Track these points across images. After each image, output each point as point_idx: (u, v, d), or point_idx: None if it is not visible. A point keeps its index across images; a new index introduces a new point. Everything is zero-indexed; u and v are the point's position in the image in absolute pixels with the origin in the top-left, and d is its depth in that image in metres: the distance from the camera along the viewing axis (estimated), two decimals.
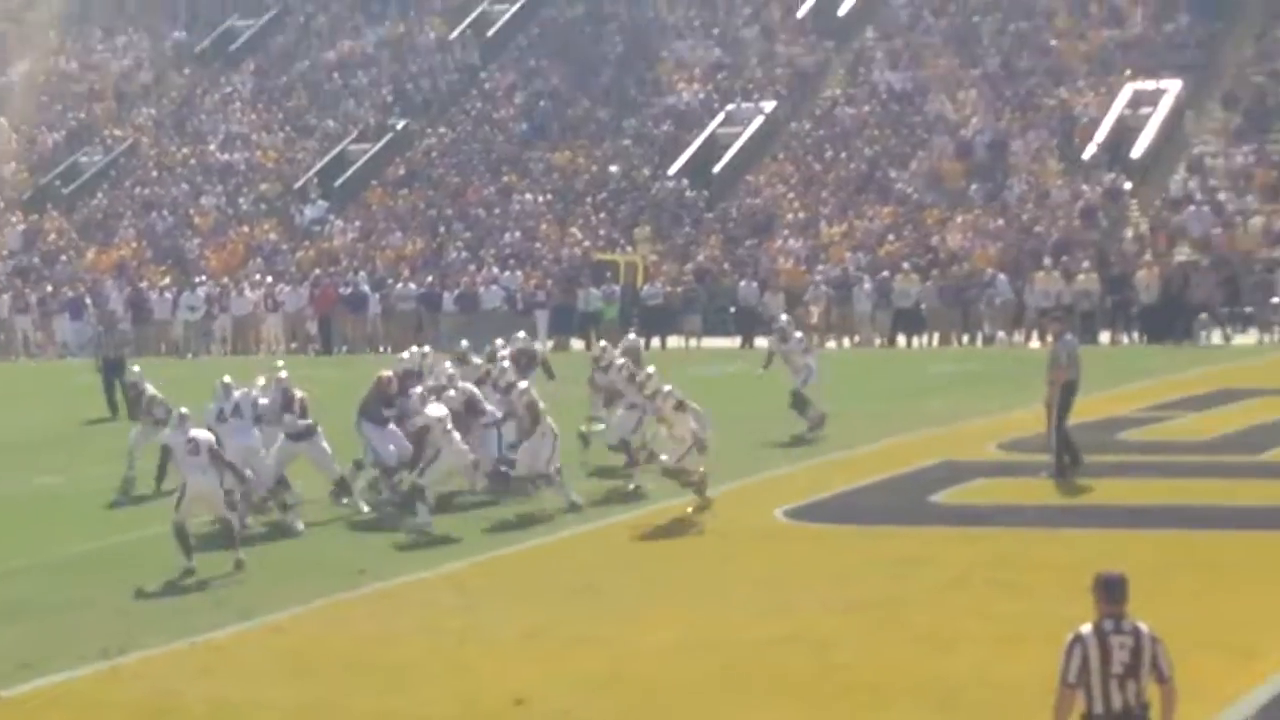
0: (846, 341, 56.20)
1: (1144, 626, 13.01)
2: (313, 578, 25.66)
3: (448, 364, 32.72)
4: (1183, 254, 57.07)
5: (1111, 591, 13.17)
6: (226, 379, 30.33)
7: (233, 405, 29.42)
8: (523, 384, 30.24)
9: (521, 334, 38.33)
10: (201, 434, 26.32)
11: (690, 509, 28.03)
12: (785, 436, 35.33)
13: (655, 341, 54.91)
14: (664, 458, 28.42)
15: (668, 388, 28.49)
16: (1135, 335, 53.98)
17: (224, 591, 24.94)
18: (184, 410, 27.43)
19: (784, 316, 39.40)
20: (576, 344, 55.92)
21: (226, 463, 26.34)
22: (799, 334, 38.04)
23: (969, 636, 19.51)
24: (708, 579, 24.65)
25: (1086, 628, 12.98)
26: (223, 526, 26.35)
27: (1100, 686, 12.83)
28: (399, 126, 76.72)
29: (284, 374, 30.12)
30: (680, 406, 27.97)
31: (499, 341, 35.90)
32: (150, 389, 33.44)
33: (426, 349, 35.70)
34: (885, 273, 58.77)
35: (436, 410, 28.38)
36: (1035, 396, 31.90)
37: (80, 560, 27.47)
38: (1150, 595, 19.78)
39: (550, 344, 53.32)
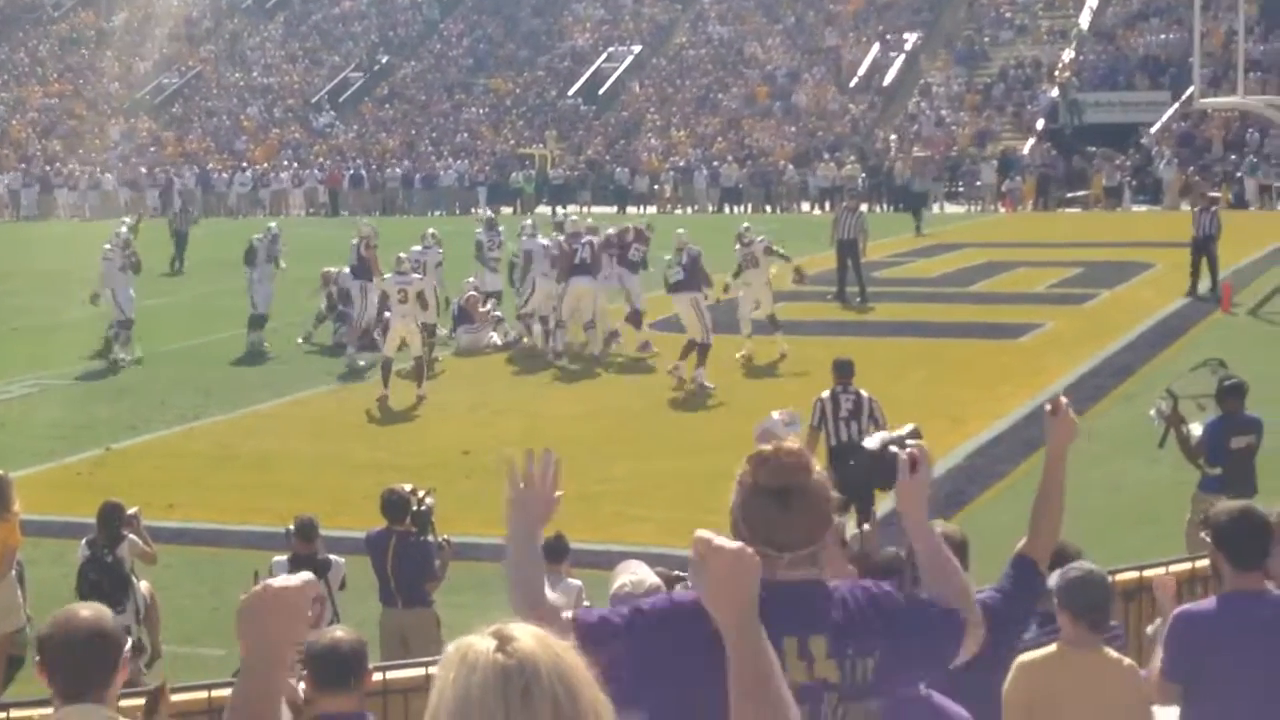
0: (689, 210, 56.10)
1: (864, 391, 14.51)
2: (329, 370, 25.65)
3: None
4: (918, 151, 57.20)
5: (841, 369, 14.74)
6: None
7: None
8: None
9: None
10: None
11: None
12: None
13: (559, 210, 54.68)
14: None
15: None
16: (887, 206, 54.12)
17: (267, 376, 24.87)
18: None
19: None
20: (505, 210, 55.48)
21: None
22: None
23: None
24: (600, 369, 24.76)
25: (825, 393, 14.51)
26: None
27: (833, 426, 14.23)
28: (383, 61, 76.01)
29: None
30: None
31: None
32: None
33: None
34: (715, 163, 58.82)
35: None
36: (822, 248, 32.07)
37: (173, 355, 27.29)
38: (893, 380, 20.09)
39: (487, 210, 52.83)
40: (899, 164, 55.29)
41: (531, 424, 20.15)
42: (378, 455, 18.82)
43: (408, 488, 11.81)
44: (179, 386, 24.15)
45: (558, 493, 4.20)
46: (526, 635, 2.60)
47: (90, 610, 4.82)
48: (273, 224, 30.02)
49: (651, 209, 55.25)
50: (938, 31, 67.68)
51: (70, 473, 18.62)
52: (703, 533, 3.24)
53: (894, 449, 4.31)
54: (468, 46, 75.93)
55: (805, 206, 56.25)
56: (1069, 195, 53.53)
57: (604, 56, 71.34)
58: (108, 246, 27.15)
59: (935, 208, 52.82)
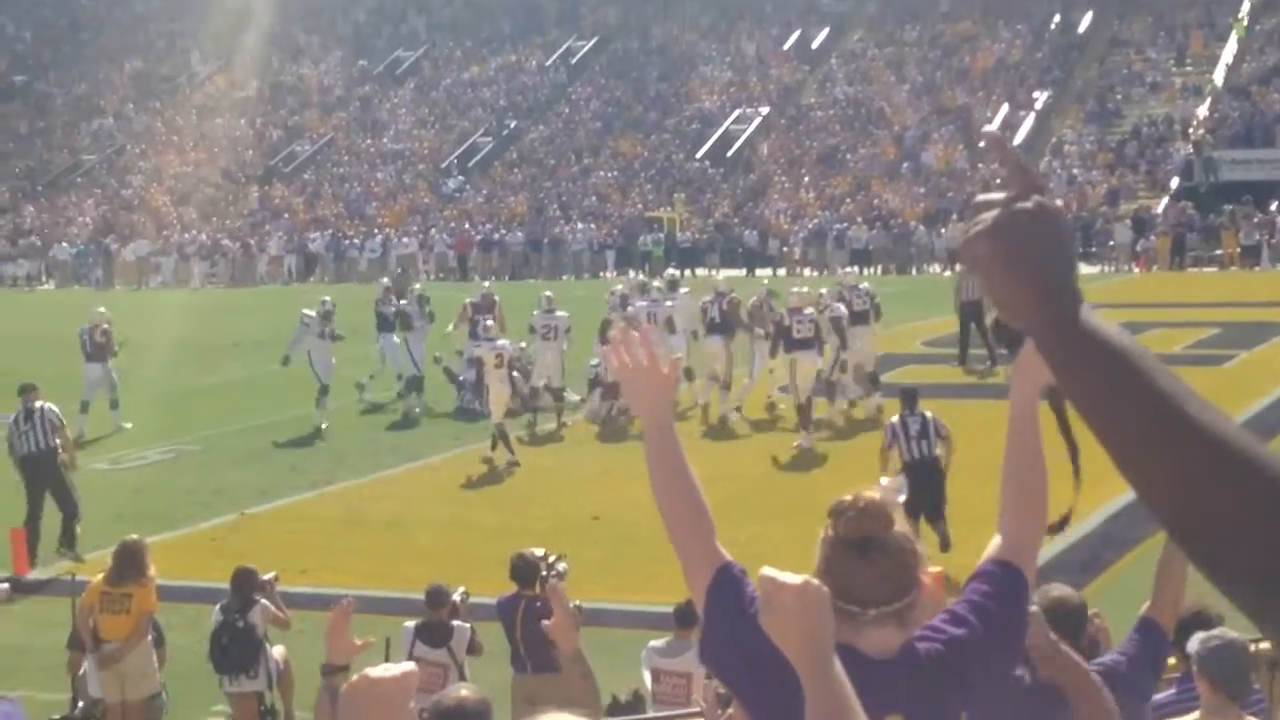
0: (820, 273, 56.01)
1: (929, 413, 17.14)
2: (458, 433, 25.84)
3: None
4: None
5: (908, 397, 17.38)
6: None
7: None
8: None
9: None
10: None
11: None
12: None
13: (686, 272, 54.68)
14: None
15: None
16: None
17: (396, 440, 25.14)
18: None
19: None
20: (634, 274, 55.67)
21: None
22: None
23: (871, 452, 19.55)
24: (721, 432, 24.74)
25: (895, 418, 17.21)
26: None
27: (904, 443, 16.80)
28: (512, 125, 76.75)
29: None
30: None
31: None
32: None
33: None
34: (844, 224, 58.76)
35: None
36: (948, 309, 31.88)
37: (302, 420, 27.63)
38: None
39: (615, 273, 52.98)
40: None
41: None
42: (507, 520, 18.92)
43: (539, 552, 11.87)
44: (309, 452, 24.46)
45: (665, 369, 4.07)
46: None
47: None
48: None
49: (781, 271, 55.23)
50: (1069, 89, 67.29)
51: (205, 538, 18.91)
52: (768, 571, 3.22)
53: None
54: (596, 110, 76.48)
55: (935, 268, 56.00)
56: (1205, 254, 52.88)
57: (732, 118, 71.60)
58: (308, 313, 27.76)
59: None
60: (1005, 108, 65.50)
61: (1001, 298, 2.13)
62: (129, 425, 27.52)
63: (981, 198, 2.21)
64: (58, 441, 18.94)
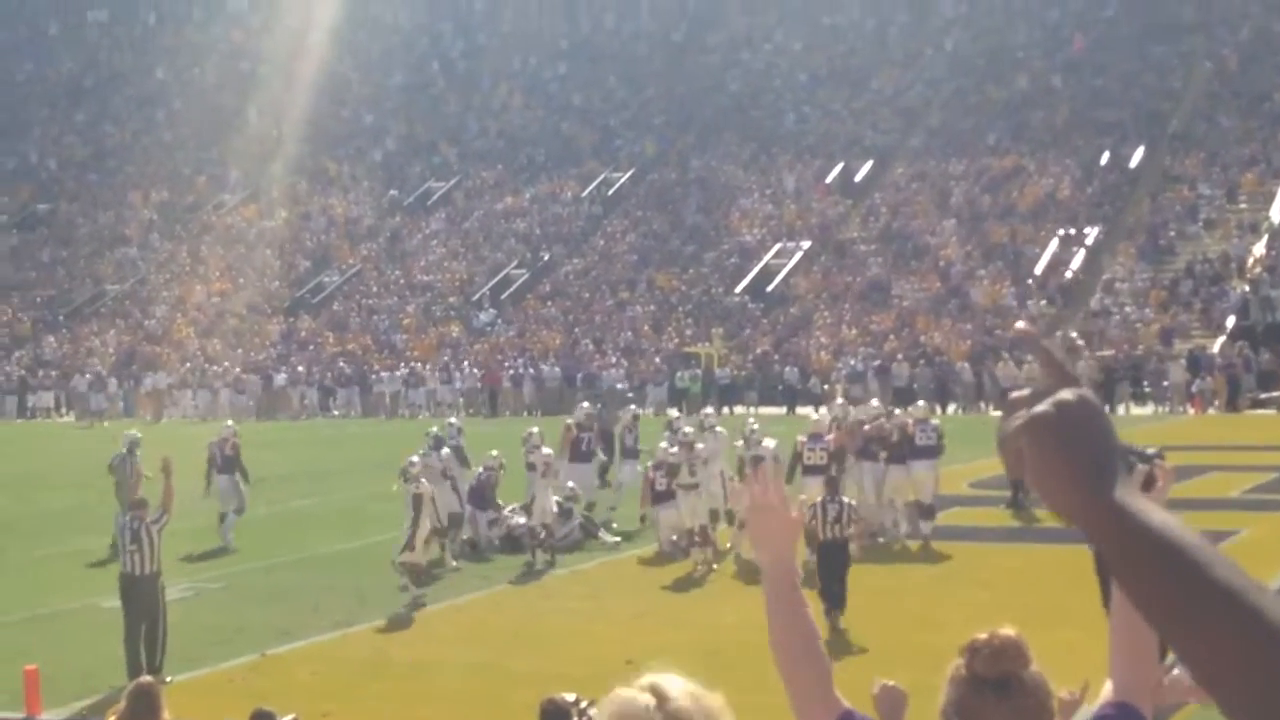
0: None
1: (847, 499, 21.07)
2: (484, 573, 25.77)
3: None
4: (1103, 351, 56.80)
5: (831, 485, 21.20)
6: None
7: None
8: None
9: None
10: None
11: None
12: None
13: (725, 410, 54.71)
14: None
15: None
16: None
17: (422, 580, 25.05)
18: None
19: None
20: (671, 411, 55.74)
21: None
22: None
23: (950, 618, 19.42)
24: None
25: (818, 499, 20.62)
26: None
27: (822, 525, 20.05)
28: (546, 257, 77.27)
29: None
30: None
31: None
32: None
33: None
34: (880, 361, 58.89)
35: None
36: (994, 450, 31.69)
37: (324, 558, 27.64)
38: (1072, 590, 19.78)
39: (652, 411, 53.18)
40: (1082, 364, 54.83)
41: (699, 634, 20.06)
42: (538, 664, 18.80)
43: (570, 697, 11.78)
44: (332, 590, 24.41)
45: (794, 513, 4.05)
46: (683, 693, 2.58)
47: None
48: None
49: (823, 410, 55.06)
50: (1120, 226, 67.51)
51: (224, 678, 18.84)
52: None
53: (1134, 459, 4.02)
54: (632, 242, 76.95)
55: (983, 406, 55.91)
56: (1261, 396, 52.75)
57: (772, 252, 71.98)
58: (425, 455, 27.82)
59: (1120, 409, 52.29)
60: (1054, 243, 65.72)
61: (1045, 493, 2.13)
62: (236, 547, 28.78)
63: (1014, 395, 2.20)
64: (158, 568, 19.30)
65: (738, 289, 69.99)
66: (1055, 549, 24.91)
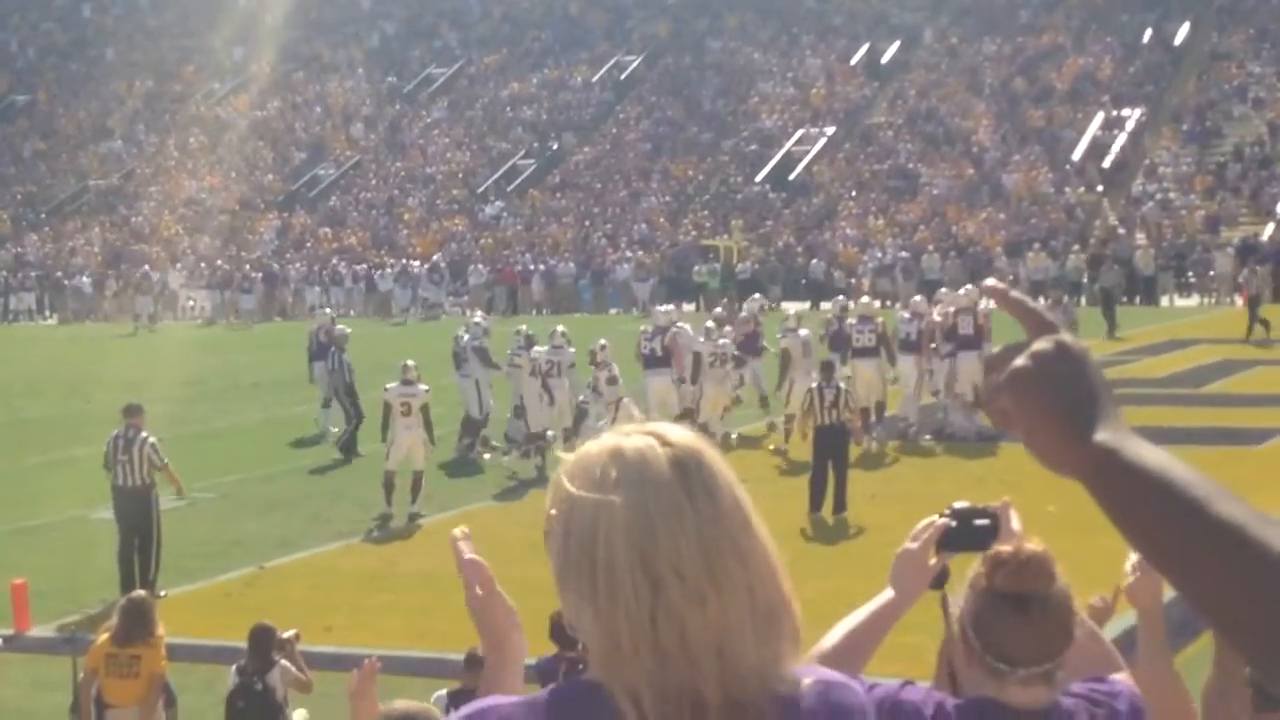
0: (892, 304, 55.71)
1: (843, 384, 22.23)
2: (496, 483, 25.84)
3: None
4: (1141, 240, 56.60)
5: (826, 369, 22.33)
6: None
7: None
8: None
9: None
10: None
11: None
12: None
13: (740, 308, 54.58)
14: None
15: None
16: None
17: (430, 488, 25.08)
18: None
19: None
20: (687, 307, 55.60)
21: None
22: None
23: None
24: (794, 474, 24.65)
25: (814, 385, 22.05)
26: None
27: (819, 410, 21.54)
28: (555, 146, 77.02)
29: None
30: None
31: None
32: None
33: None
34: (908, 254, 58.64)
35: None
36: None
37: (326, 467, 27.70)
38: None
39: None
40: (1139, 253, 54.58)
41: None
42: (549, 575, 18.84)
43: None
44: (336, 499, 24.48)
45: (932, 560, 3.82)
46: (680, 431, 2.44)
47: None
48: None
49: (852, 304, 54.87)
50: (1164, 107, 67.09)
51: (220, 592, 18.92)
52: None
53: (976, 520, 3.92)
54: (645, 130, 76.63)
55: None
56: None
57: (794, 139, 71.67)
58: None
59: (1164, 300, 52.15)
60: (1094, 126, 65.35)
61: (1036, 449, 2.14)
62: (335, 429, 29.52)
63: (993, 354, 2.22)
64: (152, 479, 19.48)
65: (758, 178, 69.72)
66: None
